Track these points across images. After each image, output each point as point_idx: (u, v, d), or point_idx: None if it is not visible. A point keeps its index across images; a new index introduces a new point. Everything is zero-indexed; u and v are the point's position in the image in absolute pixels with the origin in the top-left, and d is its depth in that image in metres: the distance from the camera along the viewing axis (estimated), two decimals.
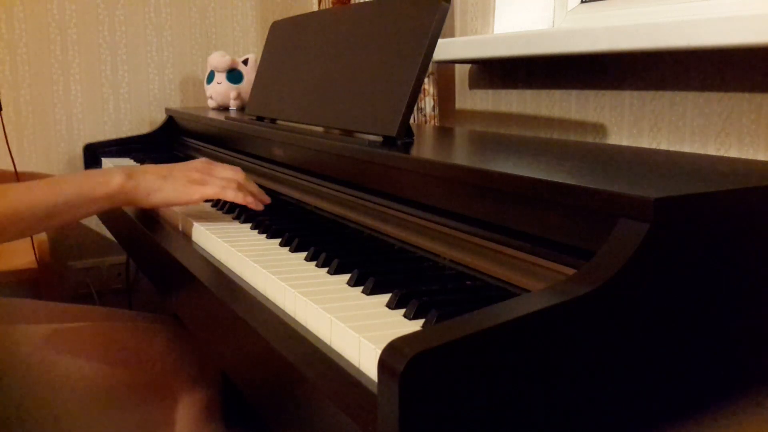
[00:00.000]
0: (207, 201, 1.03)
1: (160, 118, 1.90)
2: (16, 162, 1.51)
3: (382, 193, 0.79)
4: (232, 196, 0.87)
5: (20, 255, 1.48)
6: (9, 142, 1.76)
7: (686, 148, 0.94)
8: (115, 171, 0.84)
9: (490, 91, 1.30)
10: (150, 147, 1.67)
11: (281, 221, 0.86)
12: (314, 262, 0.70)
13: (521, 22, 1.26)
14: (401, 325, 0.52)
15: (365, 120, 0.86)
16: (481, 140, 0.92)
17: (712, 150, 0.91)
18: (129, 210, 1.09)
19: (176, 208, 0.97)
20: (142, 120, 1.91)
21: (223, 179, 0.88)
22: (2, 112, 1.13)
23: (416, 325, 0.52)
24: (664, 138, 0.97)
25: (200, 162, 0.91)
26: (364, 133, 0.88)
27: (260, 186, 1.11)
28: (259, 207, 0.90)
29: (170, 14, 1.92)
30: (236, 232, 0.84)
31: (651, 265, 0.46)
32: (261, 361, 0.59)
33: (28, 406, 0.86)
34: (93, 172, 0.84)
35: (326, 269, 0.67)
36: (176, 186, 0.85)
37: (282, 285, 0.62)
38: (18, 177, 0.98)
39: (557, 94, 1.15)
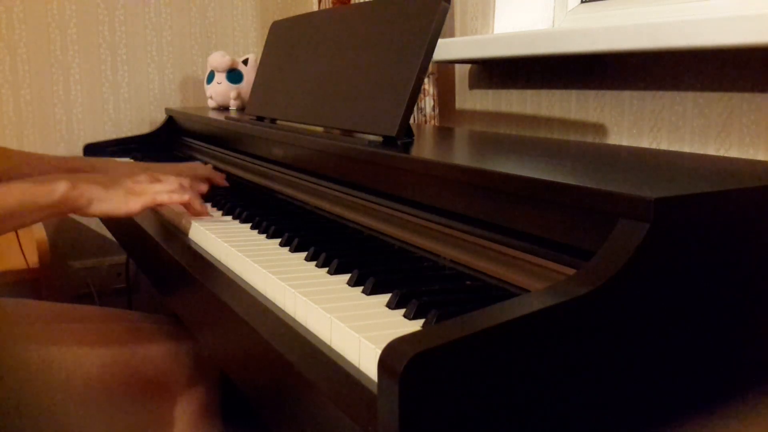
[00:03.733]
0: (206, 201, 1.03)
1: (160, 118, 1.90)
2: None
3: (382, 193, 0.79)
4: (167, 198, 0.89)
5: (20, 255, 1.48)
6: (9, 142, 1.76)
7: (686, 148, 0.94)
8: (61, 180, 0.85)
9: (490, 91, 1.30)
10: (150, 147, 1.67)
11: (281, 221, 0.86)
12: (314, 262, 0.70)
13: (521, 22, 1.26)
14: (401, 325, 0.52)
15: (365, 120, 0.86)
16: (481, 140, 0.92)
17: (712, 150, 0.91)
18: None
19: (175, 207, 0.97)
20: (142, 120, 1.91)
21: (163, 188, 0.90)
22: None
23: (416, 325, 0.52)
24: (664, 138, 0.97)
25: (143, 175, 0.92)
26: (364, 133, 0.88)
27: (260, 186, 1.12)
28: (199, 210, 0.93)
29: (170, 14, 1.92)
30: (236, 232, 0.84)
31: (651, 265, 0.46)
32: (261, 360, 0.59)
33: (28, 405, 0.86)
34: (39, 181, 0.85)
35: (326, 269, 0.67)
36: (117, 197, 0.87)
37: (282, 285, 0.62)
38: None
39: (557, 94, 1.15)
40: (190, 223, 0.89)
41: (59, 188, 0.84)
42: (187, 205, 0.91)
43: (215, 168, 1.33)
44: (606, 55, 1.03)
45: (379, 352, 0.40)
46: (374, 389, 0.44)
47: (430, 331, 0.40)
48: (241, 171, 1.21)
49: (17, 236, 1.34)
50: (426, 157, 0.70)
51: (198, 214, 0.92)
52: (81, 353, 0.92)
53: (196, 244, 0.86)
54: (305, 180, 0.97)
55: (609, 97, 1.05)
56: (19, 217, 0.82)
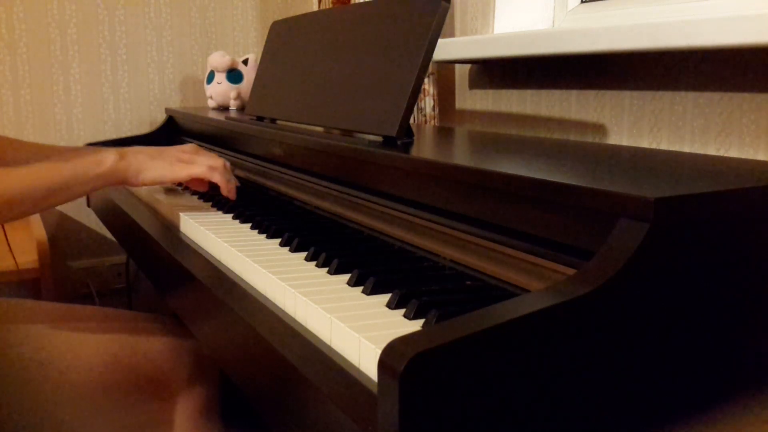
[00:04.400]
0: (207, 201, 1.03)
1: (160, 118, 1.90)
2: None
3: (382, 193, 0.79)
4: (219, 178, 0.94)
5: (20, 255, 1.48)
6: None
7: (686, 148, 0.94)
8: (109, 151, 0.89)
9: (490, 91, 1.30)
10: None
11: (281, 221, 0.86)
12: (314, 262, 0.70)
13: (521, 22, 1.26)
14: (401, 325, 0.52)
15: (365, 120, 0.86)
16: (481, 140, 0.92)
17: (712, 150, 0.91)
18: (129, 209, 1.09)
19: (170, 203, 0.97)
20: (142, 120, 1.91)
21: (210, 163, 0.94)
22: None
23: (416, 325, 0.52)
24: (664, 138, 0.97)
25: (189, 146, 0.97)
26: (364, 133, 0.88)
27: (260, 185, 1.12)
28: (233, 196, 0.98)
29: (170, 14, 1.92)
30: (236, 232, 0.84)
31: (651, 265, 0.46)
32: (261, 360, 0.59)
33: (28, 405, 0.86)
34: (87, 153, 0.89)
35: (326, 269, 0.67)
36: (164, 164, 0.91)
37: (282, 285, 0.62)
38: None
39: (557, 94, 1.15)
40: (191, 223, 0.89)
41: (108, 159, 0.87)
42: (225, 188, 0.96)
43: None
44: (606, 55, 1.03)
45: (379, 352, 0.40)
46: (374, 389, 0.44)
47: (430, 331, 0.40)
48: (241, 171, 1.21)
49: (6, 237, 1.34)
50: (426, 157, 0.70)
51: (232, 196, 0.97)
52: (81, 352, 0.92)
53: (196, 244, 0.86)
54: (305, 180, 0.97)
55: (609, 97, 1.05)
56: (71, 188, 0.85)
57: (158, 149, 0.94)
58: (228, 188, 0.96)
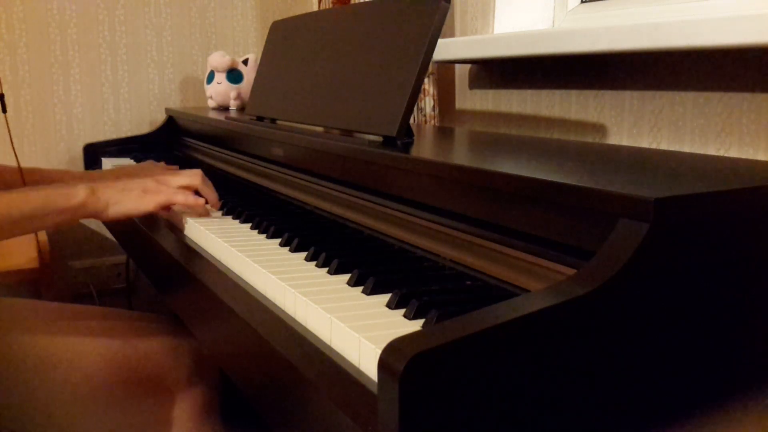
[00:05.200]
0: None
1: (160, 118, 1.90)
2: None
3: (382, 193, 0.79)
4: (183, 200, 0.91)
5: (20, 255, 1.48)
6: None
7: (686, 148, 0.94)
8: (80, 185, 0.88)
9: (490, 91, 1.30)
10: (150, 147, 1.67)
11: (281, 221, 0.86)
12: (314, 262, 0.70)
13: (521, 22, 1.26)
14: (401, 325, 0.52)
15: (365, 120, 0.86)
16: (481, 140, 0.92)
17: (712, 150, 0.91)
18: None
19: (175, 207, 0.97)
20: (142, 120, 1.91)
21: (178, 186, 0.92)
22: (6, 113, 1.15)
23: (416, 325, 0.52)
24: (664, 138, 0.97)
25: (160, 171, 0.96)
26: (364, 133, 0.88)
27: (260, 186, 1.12)
28: (206, 212, 0.94)
29: (170, 14, 1.92)
30: (236, 232, 0.84)
31: (651, 265, 0.46)
32: (260, 360, 0.59)
33: (28, 405, 0.86)
34: (59, 185, 0.88)
35: (326, 269, 0.67)
36: (132, 198, 0.89)
37: (282, 285, 0.62)
38: (24, 180, 1.02)
39: (557, 94, 1.15)
40: (191, 224, 0.89)
41: (79, 193, 0.86)
42: (196, 207, 0.93)
43: (215, 168, 1.33)
44: (606, 55, 1.03)
45: (379, 352, 0.40)
46: (374, 389, 0.44)
47: (430, 331, 0.40)
48: (241, 171, 1.21)
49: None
50: (426, 157, 0.70)
51: (203, 214, 0.94)
52: (81, 350, 0.92)
53: (196, 243, 0.86)
54: (305, 180, 0.97)
55: (609, 97, 1.05)
56: (39, 219, 0.83)
57: (128, 180, 0.91)
58: (197, 203, 0.93)
